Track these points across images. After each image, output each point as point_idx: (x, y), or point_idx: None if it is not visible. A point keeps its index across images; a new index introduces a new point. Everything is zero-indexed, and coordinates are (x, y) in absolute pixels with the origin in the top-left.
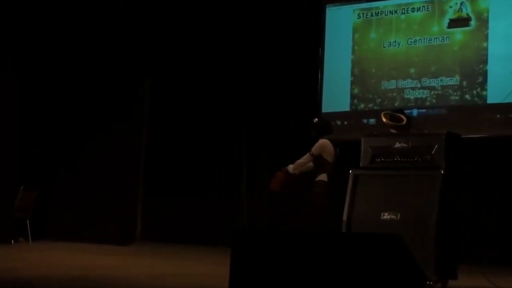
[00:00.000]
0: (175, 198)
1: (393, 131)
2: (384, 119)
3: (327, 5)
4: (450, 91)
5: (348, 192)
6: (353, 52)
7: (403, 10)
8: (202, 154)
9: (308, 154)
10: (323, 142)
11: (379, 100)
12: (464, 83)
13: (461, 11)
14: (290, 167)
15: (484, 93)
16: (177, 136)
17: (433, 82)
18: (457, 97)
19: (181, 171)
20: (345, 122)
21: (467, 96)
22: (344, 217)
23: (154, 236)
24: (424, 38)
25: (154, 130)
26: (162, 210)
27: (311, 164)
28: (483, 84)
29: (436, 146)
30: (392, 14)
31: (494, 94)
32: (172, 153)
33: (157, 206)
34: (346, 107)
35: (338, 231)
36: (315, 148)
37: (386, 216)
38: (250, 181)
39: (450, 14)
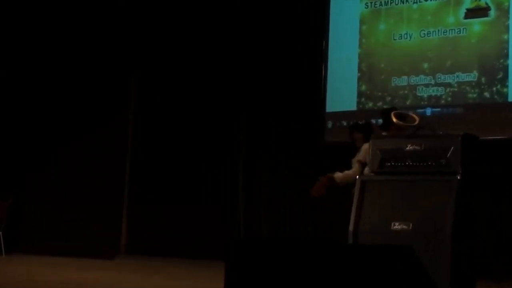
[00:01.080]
0: (164, 206)
1: (405, 131)
2: (394, 119)
3: None
4: (467, 88)
5: (355, 199)
6: (360, 45)
7: None
8: (195, 157)
9: (357, 163)
10: (368, 147)
11: (389, 98)
12: (483, 79)
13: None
14: (338, 176)
15: (505, 90)
16: (166, 137)
17: (449, 78)
18: (475, 95)
19: (171, 176)
20: (352, 123)
21: (486, 94)
22: (350, 227)
23: (140, 248)
24: (438, 30)
25: (141, 131)
26: (150, 219)
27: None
28: (504, 81)
29: (452, 148)
30: (403, 3)
31: None
32: (161, 156)
33: (144, 215)
34: (352, 106)
35: (344, 243)
36: (364, 155)
37: (396, 226)
38: (247, 186)
39: (467, 3)
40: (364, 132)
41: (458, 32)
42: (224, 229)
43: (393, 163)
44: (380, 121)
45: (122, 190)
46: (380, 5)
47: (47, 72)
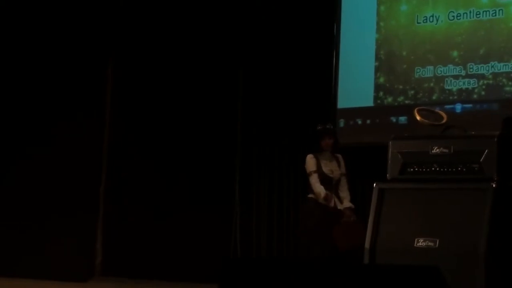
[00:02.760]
0: (146, 219)
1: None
2: (418, 117)
3: None
4: (504, 80)
5: (372, 212)
6: (378, 29)
7: None
8: (182, 162)
9: (345, 177)
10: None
11: (412, 92)
12: None
13: None
14: (351, 204)
15: None
16: (149, 138)
17: (482, 69)
18: None
19: (153, 184)
20: (368, 121)
21: None
22: (367, 244)
23: (118, 269)
24: (470, 12)
25: (119, 131)
26: (129, 235)
27: None
28: None
29: (486, 151)
30: None
31: None
32: (143, 161)
33: (123, 230)
34: (368, 102)
35: (359, 262)
36: (345, 166)
37: (421, 242)
38: (244, 196)
39: None
40: (335, 136)
41: (494, 14)
42: (217, 246)
43: (416, 169)
44: (403, 119)
45: (96, 200)
46: None
47: (4, 61)
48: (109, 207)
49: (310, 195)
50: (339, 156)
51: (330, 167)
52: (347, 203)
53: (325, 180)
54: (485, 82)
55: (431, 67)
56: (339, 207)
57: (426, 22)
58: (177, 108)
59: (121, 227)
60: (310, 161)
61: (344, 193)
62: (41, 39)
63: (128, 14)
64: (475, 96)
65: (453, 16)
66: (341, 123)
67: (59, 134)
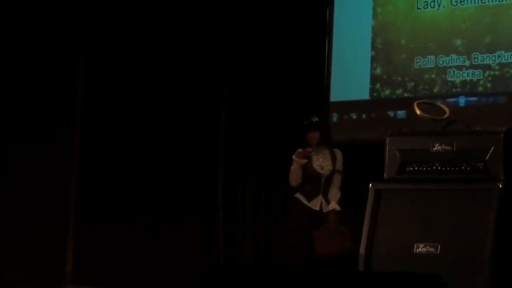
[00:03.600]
0: (120, 223)
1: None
2: (418, 111)
3: None
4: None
5: (367, 214)
6: (374, 16)
7: None
8: (159, 161)
9: (339, 175)
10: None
11: (412, 84)
12: None
13: None
14: (336, 206)
15: None
16: (123, 137)
17: (488, 59)
18: None
19: (129, 185)
20: (363, 116)
21: None
22: (362, 249)
23: (90, 277)
24: None
25: (90, 131)
26: (103, 240)
27: None
28: None
29: (492, 148)
30: None
31: None
32: (116, 162)
33: (95, 235)
34: (364, 94)
35: (353, 269)
36: (341, 163)
37: (421, 248)
38: (228, 198)
39: None
40: (322, 130)
41: None
42: (198, 253)
43: (416, 168)
44: (401, 113)
45: (67, 203)
46: None
47: None
48: (80, 212)
49: (296, 195)
50: (336, 151)
51: (321, 163)
52: (332, 205)
53: (312, 176)
54: (491, 73)
55: (432, 57)
56: (325, 209)
57: (427, 7)
58: (154, 105)
59: (92, 233)
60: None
61: (333, 192)
62: (6, 34)
63: (102, 5)
64: (480, 88)
65: (457, 1)
66: (334, 117)
67: (25, 135)
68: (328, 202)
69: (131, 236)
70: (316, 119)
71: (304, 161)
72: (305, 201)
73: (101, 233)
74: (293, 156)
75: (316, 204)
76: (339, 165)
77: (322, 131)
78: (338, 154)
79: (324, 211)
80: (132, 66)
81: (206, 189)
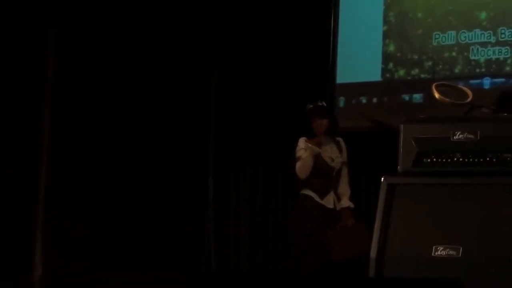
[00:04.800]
0: (95, 227)
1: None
2: (436, 94)
3: None
4: None
5: (379, 213)
6: None
7: None
8: (140, 153)
9: (346, 167)
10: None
11: (430, 63)
12: None
13: None
14: (349, 203)
15: None
16: (101, 128)
17: None
18: None
19: (104, 183)
20: (374, 100)
21: None
22: (373, 252)
23: (62, 283)
24: None
25: (62, 121)
26: (74, 245)
27: None
28: None
29: None
30: None
31: None
32: (91, 156)
33: (66, 240)
34: (375, 75)
35: (362, 275)
36: (346, 154)
37: (440, 251)
38: (219, 192)
39: None
40: (331, 116)
41: None
42: (185, 257)
43: (434, 159)
44: (417, 97)
45: (35, 201)
46: None
47: None
48: (51, 208)
49: (305, 191)
50: (340, 140)
51: (330, 154)
52: (345, 202)
53: (323, 170)
54: None
55: (453, 32)
56: (338, 207)
57: None
58: (135, 91)
59: (64, 237)
60: (302, 145)
61: (344, 187)
62: None
63: None
64: (507, 68)
65: None
66: (341, 102)
67: None
68: (339, 199)
69: (108, 239)
70: (324, 103)
71: (319, 149)
72: (317, 198)
73: (73, 237)
74: (303, 144)
75: (329, 201)
76: (345, 156)
77: (331, 118)
78: (342, 143)
79: (338, 208)
80: (110, 50)
81: (195, 184)
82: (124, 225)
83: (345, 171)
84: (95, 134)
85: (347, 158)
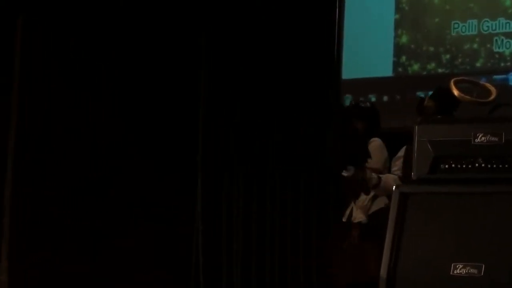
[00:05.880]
0: (66, 231)
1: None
2: (456, 92)
3: None
4: None
5: (390, 226)
6: None
7: None
8: (118, 154)
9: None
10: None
11: (447, 56)
12: None
13: None
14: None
15: None
16: (72, 124)
17: None
18: None
19: (77, 183)
20: (385, 98)
21: None
22: (383, 272)
23: None
24: None
25: (31, 117)
26: (43, 250)
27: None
28: None
29: None
30: None
31: None
32: (62, 154)
33: (34, 244)
34: (386, 70)
35: None
36: (380, 160)
37: (460, 269)
38: (209, 202)
39: None
40: (367, 119)
41: None
42: (170, 275)
43: (453, 165)
44: None
45: (0, 210)
46: None
47: None
48: (17, 214)
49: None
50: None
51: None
52: (359, 215)
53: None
54: None
55: (475, 21)
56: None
57: None
58: (114, 85)
59: (31, 240)
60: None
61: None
62: None
63: None
64: None
65: None
66: (347, 100)
67: None
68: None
69: (81, 245)
70: (365, 101)
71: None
72: None
73: (42, 242)
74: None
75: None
76: None
77: (368, 120)
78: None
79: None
80: (83, 38)
81: (181, 193)
82: (99, 233)
83: None
84: (67, 137)
85: None
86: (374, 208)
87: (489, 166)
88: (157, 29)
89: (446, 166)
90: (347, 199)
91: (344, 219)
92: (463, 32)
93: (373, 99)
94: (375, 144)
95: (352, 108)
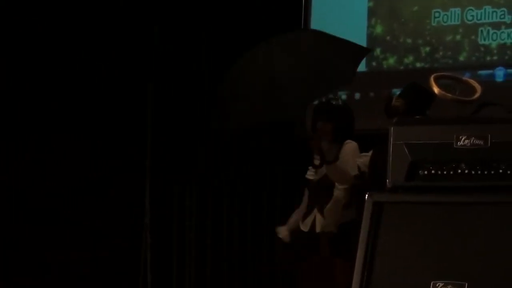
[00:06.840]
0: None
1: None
2: (436, 89)
3: None
4: None
5: (363, 238)
6: None
7: None
8: (59, 155)
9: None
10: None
11: (427, 49)
12: None
13: None
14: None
15: None
16: (29, 131)
17: None
18: None
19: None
20: (357, 95)
21: None
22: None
23: None
24: None
25: None
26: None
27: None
28: None
29: None
30: None
31: None
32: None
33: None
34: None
35: None
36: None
37: (440, 286)
38: (158, 211)
39: None
40: (338, 119)
41: None
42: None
43: (433, 171)
44: None
45: None
46: None
47: None
48: None
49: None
50: (344, 148)
51: None
52: (328, 225)
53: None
54: None
55: (458, 10)
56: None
57: None
58: (54, 81)
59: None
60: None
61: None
62: None
63: None
64: None
65: None
66: (342, 95)
67: None
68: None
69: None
70: (335, 98)
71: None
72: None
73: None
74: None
75: (307, 224)
76: None
77: (338, 122)
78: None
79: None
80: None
81: (128, 200)
82: (37, 248)
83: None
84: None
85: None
86: (345, 218)
87: (473, 172)
88: (107, 30)
89: (425, 172)
90: (310, 207)
91: (305, 229)
92: (445, 22)
93: (344, 97)
94: (350, 147)
95: (322, 107)
